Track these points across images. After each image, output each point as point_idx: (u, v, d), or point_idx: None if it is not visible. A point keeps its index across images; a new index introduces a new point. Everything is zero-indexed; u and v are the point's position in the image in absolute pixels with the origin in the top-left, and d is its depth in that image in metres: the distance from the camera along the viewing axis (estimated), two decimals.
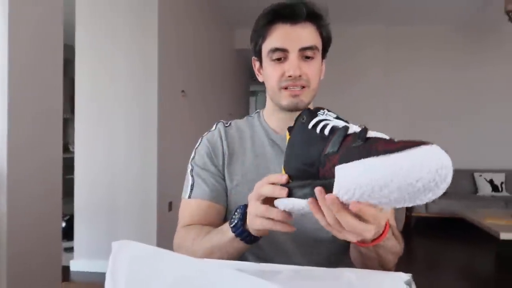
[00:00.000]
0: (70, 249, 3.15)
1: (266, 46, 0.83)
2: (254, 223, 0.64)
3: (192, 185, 0.87)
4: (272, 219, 0.61)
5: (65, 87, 1.96)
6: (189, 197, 0.87)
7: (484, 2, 4.51)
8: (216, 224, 0.81)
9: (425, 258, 3.71)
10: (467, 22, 5.15)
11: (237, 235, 0.68)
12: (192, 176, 0.89)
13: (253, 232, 0.66)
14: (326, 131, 0.54)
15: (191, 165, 0.91)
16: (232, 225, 0.69)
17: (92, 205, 3.04)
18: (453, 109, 5.37)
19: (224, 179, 0.88)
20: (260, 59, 0.87)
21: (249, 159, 0.89)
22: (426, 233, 4.61)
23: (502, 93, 5.30)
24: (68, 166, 2.75)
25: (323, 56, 0.88)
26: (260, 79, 0.89)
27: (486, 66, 5.31)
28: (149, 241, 2.96)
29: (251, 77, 8.30)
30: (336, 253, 0.86)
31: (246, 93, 7.79)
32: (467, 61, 5.35)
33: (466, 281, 3.05)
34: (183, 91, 3.45)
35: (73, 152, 3.17)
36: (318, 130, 0.56)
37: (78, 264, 3.04)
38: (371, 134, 0.50)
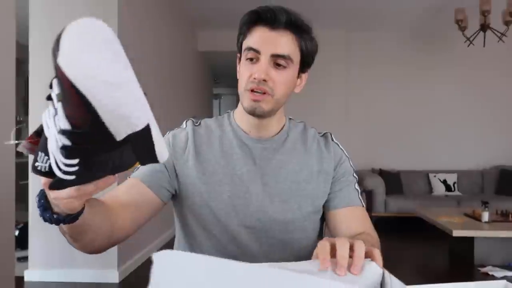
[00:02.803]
0: (24, 259, 2.99)
1: (245, 44, 0.84)
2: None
3: (137, 168, 0.85)
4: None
5: (18, 88, 1.86)
6: (129, 177, 0.85)
7: (436, 11, 4.77)
8: (135, 202, 0.79)
9: (385, 255, 3.82)
10: (420, 28, 5.42)
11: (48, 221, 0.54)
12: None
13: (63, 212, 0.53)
14: None
15: None
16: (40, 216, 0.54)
17: None
18: (409, 113, 5.61)
19: (181, 177, 0.87)
20: (240, 56, 0.87)
21: (217, 159, 0.88)
22: (385, 232, 4.76)
23: (454, 98, 5.60)
24: (22, 171, 2.61)
25: (302, 69, 0.88)
26: (238, 76, 0.88)
27: (438, 69, 5.60)
28: None
29: (215, 79, 8.27)
30: (304, 256, 0.87)
31: (210, 95, 7.76)
32: (421, 65, 5.62)
33: (422, 276, 3.19)
34: (145, 93, 3.38)
35: (27, 157, 3.02)
36: None
37: (33, 274, 2.89)
38: None
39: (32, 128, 2.90)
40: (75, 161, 0.40)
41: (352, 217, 0.88)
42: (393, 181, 5.09)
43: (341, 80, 5.57)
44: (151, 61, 3.62)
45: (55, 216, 0.52)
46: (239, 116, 0.92)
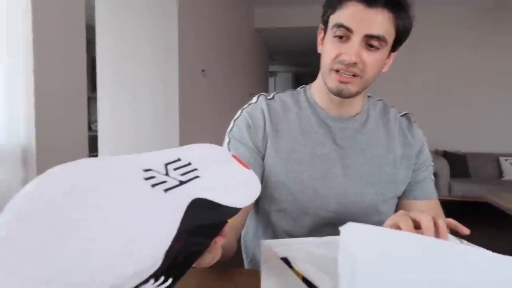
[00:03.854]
0: None
1: (333, 19, 0.77)
2: None
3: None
4: None
5: (86, 66, 1.97)
6: None
7: None
8: (248, 207, 0.79)
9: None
10: (490, 6, 4.93)
11: None
12: (228, 148, 0.84)
13: None
14: None
15: (228, 137, 0.86)
16: None
17: None
18: (478, 93, 5.20)
19: (262, 156, 0.84)
20: (325, 30, 0.81)
21: (295, 137, 0.84)
22: (448, 216, 4.54)
23: None
24: (91, 144, 2.80)
25: (394, 48, 0.80)
26: (319, 49, 0.83)
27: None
28: None
29: (271, 57, 8.21)
30: None
31: (265, 73, 7.72)
32: (490, 42, 5.14)
33: None
34: (203, 70, 3.44)
35: (95, 131, 3.22)
36: None
37: None
38: None
39: (100, 104, 3.08)
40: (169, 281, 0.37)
41: (428, 211, 0.85)
42: (459, 163, 4.80)
43: (404, 55, 5.27)
44: (209, 39, 3.66)
45: None
46: (317, 93, 0.87)
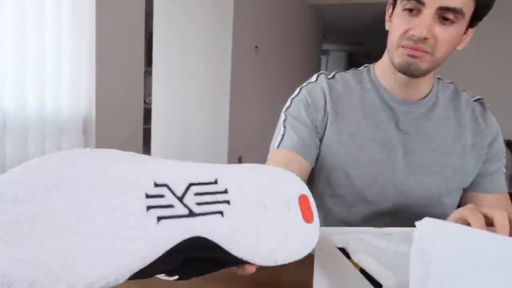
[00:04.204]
0: None
1: None
2: None
3: (283, 136, 0.79)
4: None
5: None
6: (278, 147, 0.79)
7: None
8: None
9: None
10: None
11: None
12: (284, 126, 0.81)
13: None
14: None
15: (285, 115, 0.83)
16: None
17: (167, 155, 3.21)
18: None
19: (321, 137, 0.81)
20: (394, 4, 0.75)
21: (357, 119, 0.79)
22: None
23: None
24: (144, 117, 2.91)
25: (472, 23, 0.72)
26: (386, 26, 0.78)
27: None
28: None
29: (323, 35, 7.96)
30: None
31: (318, 51, 7.53)
32: None
33: None
34: (256, 47, 3.41)
35: (149, 104, 3.33)
36: None
37: None
38: None
39: (155, 78, 3.16)
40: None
41: (498, 206, 0.78)
42: None
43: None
44: (263, 15, 3.60)
45: None
46: (382, 73, 0.81)
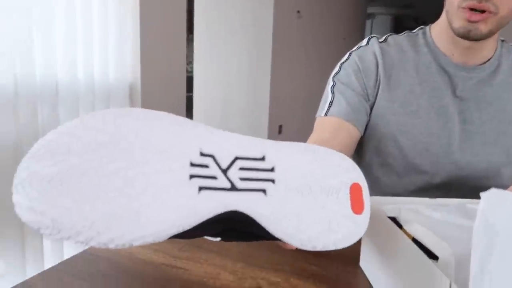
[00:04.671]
0: None
1: None
2: None
3: (331, 102, 0.76)
4: None
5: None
6: (325, 114, 0.75)
7: None
8: (345, 147, 0.73)
9: None
10: None
11: None
12: (332, 92, 0.77)
13: None
14: None
15: (333, 80, 0.79)
16: None
17: (209, 122, 3.25)
18: None
19: (371, 104, 0.77)
20: None
21: (411, 86, 0.75)
22: None
23: None
24: (186, 84, 2.94)
25: None
26: None
27: None
28: None
29: None
30: None
31: (362, 15, 7.18)
32: None
33: None
34: (298, 11, 3.30)
35: (190, 72, 3.36)
36: None
37: None
38: None
39: (197, 45, 3.16)
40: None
41: None
42: None
43: None
44: None
45: None
46: (439, 35, 0.76)
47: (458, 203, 0.52)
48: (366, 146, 0.81)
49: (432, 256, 0.39)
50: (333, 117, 0.75)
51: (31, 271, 1.28)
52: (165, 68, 1.88)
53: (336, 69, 0.81)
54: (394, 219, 0.47)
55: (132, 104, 1.71)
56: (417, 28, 0.81)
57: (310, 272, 0.51)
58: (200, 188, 0.29)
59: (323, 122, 0.76)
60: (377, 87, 0.77)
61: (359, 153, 0.84)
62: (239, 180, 0.31)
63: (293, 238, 0.32)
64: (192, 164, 0.30)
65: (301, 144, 0.38)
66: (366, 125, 0.79)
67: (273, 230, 0.31)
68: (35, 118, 1.28)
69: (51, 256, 1.37)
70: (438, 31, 0.76)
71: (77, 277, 0.49)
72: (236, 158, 0.32)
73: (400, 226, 0.45)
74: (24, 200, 0.25)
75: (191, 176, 0.29)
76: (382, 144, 0.77)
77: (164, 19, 1.84)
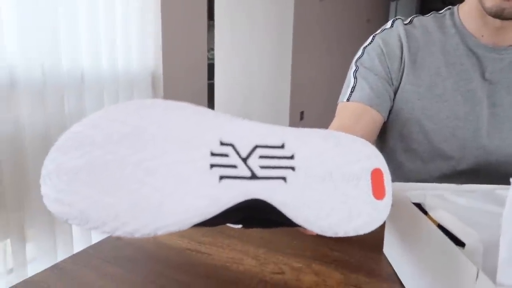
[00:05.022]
0: None
1: None
2: None
3: (353, 87, 0.74)
4: None
5: None
6: (348, 99, 0.74)
7: None
8: (368, 132, 0.71)
9: None
10: None
11: None
12: (355, 77, 0.75)
13: None
14: None
15: (356, 65, 0.77)
16: None
17: (230, 110, 3.27)
18: None
19: (395, 88, 0.75)
20: None
21: (437, 69, 0.73)
22: None
23: None
24: (208, 71, 2.95)
25: None
26: None
27: None
28: None
29: None
30: None
31: None
32: None
33: None
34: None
35: (211, 59, 3.36)
36: None
37: None
38: None
39: (217, 32, 3.15)
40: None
41: None
42: None
43: None
44: None
45: None
46: (468, 15, 0.73)
47: (485, 189, 0.50)
48: (390, 132, 0.79)
49: (459, 243, 0.39)
50: (356, 102, 0.73)
51: (61, 255, 1.33)
52: (186, 55, 1.89)
53: (359, 53, 0.79)
54: (419, 206, 0.47)
55: (154, 92, 1.73)
56: (444, 9, 0.78)
57: (332, 258, 0.51)
58: (221, 177, 0.30)
59: (346, 108, 0.74)
60: (401, 70, 0.74)
61: (383, 138, 0.82)
62: (259, 168, 0.31)
63: (313, 225, 0.32)
64: (213, 154, 0.30)
65: (322, 130, 0.37)
66: (390, 110, 0.77)
67: (294, 217, 0.31)
68: (62, 107, 1.31)
69: (80, 240, 1.42)
70: (466, 11, 0.73)
71: (105, 260, 0.50)
72: (256, 147, 0.32)
73: (425, 213, 0.45)
74: (51, 192, 0.26)
75: (212, 166, 0.30)
76: (406, 129, 0.76)
77: (185, 6, 1.84)
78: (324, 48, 3.63)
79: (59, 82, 1.30)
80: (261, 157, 0.32)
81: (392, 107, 0.76)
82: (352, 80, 0.76)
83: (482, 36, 0.71)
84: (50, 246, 1.31)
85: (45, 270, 0.48)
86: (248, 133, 0.32)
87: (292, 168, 0.33)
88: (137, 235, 0.27)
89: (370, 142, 0.40)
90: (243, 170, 0.31)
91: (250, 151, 0.32)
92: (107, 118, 0.29)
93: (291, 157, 0.33)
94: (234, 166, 0.30)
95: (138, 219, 0.27)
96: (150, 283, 0.46)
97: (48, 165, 0.27)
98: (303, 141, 0.34)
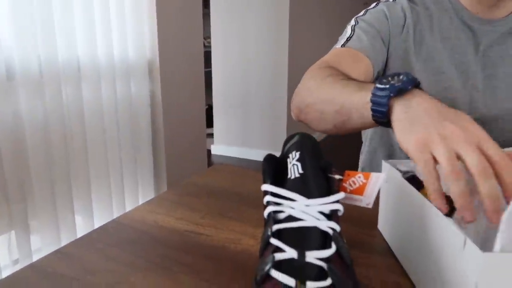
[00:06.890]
0: (210, 135, 3.53)
1: None
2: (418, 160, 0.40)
3: (349, 37, 0.72)
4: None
5: None
6: (343, 45, 0.71)
7: None
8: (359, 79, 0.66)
9: None
10: None
11: (374, 113, 0.47)
12: (352, 30, 0.73)
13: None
14: None
15: (356, 20, 0.75)
16: (376, 98, 0.47)
17: (227, 97, 3.26)
18: None
19: (390, 54, 0.74)
20: None
21: (433, 42, 0.73)
22: None
23: None
24: (206, 59, 2.94)
25: None
26: None
27: None
28: (279, 131, 3.12)
29: None
30: None
31: None
32: None
33: None
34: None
35: (208, 47, 3.34)
36: None
37: (217, 149, 3.42)
38: None
39: (213, 20, 3.12)
40: None
41: None
42: None
43: None
44: None
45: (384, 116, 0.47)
46: None
47: None
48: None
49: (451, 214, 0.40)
50: (352, 49, 0.69)
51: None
52: (182, 43, 1.88)
53: (361, 13, 0.77)
54: (413, 180, 0.48)
55: (151, 79, 1.73)
56: None
57: None
58: None
59: (340, 51, 0.70)
60: (404, 41, 0.74)
61: None
62: None
63: None
64: None
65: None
66: (383, 69, 0.76)
67: None
68: (60, 97, 1.31)
69: (84, 230, 1.44)
70: None
71: (108, 244, 0.52)
72: None
73: (418, 188, 0.46)
74: None
75: None
76: None
77: None
78: (322, 34, 3.61)
79: (56, 73, 1.30)
80: None
81: (384, 68, 0.76)
82: (349, 31, 0.74)
83: (477, 10, 0.72)
84: (54, 236, 1.33)
85: (49, 254, 0.49)
86: None
87: None
88: None
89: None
90: None
91: None
92: None
93: None
94: None
95: None
96: (153, 264, 0.47)
97: None
98: None
